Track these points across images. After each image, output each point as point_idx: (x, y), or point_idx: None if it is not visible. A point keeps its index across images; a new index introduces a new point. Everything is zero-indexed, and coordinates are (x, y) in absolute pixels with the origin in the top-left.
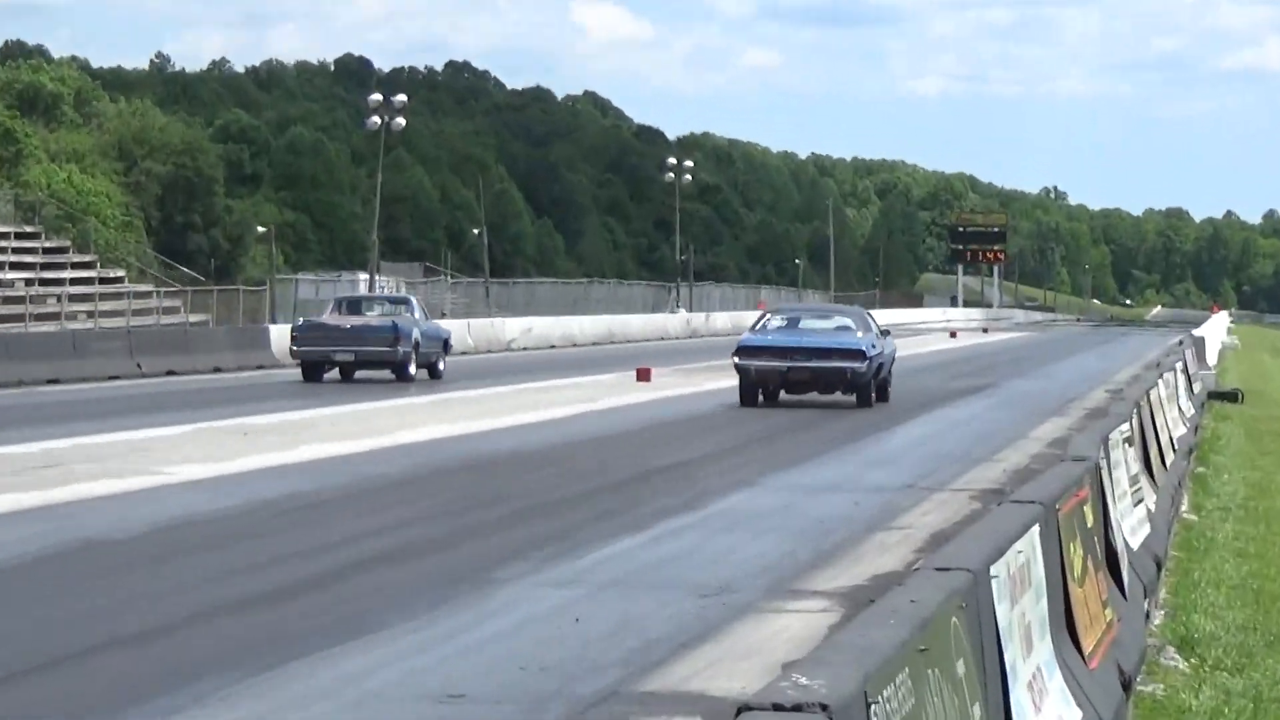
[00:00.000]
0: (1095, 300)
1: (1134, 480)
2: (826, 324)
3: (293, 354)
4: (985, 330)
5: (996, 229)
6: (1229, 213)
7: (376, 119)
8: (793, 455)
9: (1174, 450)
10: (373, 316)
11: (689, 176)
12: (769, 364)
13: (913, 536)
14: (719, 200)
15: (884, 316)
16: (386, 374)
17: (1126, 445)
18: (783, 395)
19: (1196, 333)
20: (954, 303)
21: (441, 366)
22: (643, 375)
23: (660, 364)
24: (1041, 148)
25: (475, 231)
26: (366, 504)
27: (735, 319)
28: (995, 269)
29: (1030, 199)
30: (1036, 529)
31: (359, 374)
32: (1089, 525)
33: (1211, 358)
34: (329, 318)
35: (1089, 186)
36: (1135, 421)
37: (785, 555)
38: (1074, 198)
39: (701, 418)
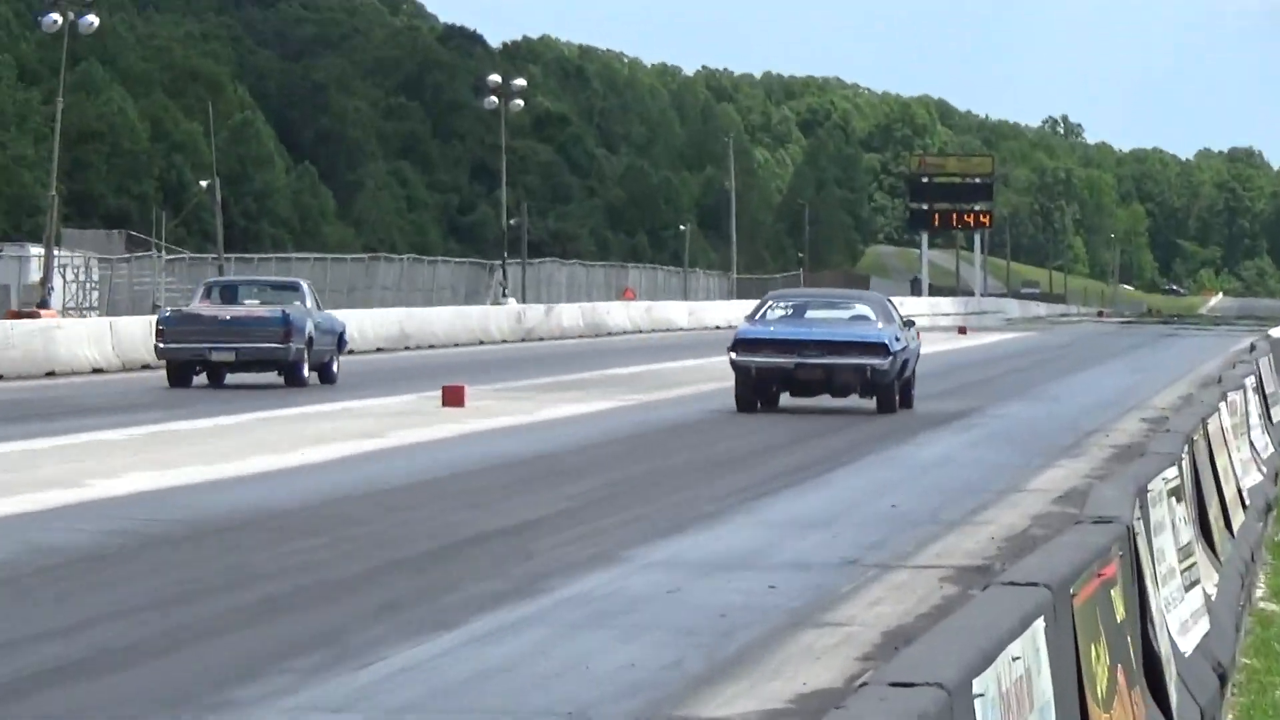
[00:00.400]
0: (1125, 285)
1: (1185, 552)
2: (840, 313)
3: (158, 352)
4: (962, 330)
5: (978, 180)
6: None
7: (56, 17)
8: (677, 514)
9: (1244, 508)
10: (256, 305)
11: (520, 102)
12: (773, 360)
13: (856, 636)
14: (566, 137)
15: None
16: (272, 377)
17: (1174, 500)
18: (785, 399)
19: (1275, 333)
20: (916, 288)
21: (335, 368)
22: (452, 397)
23: (478, 380)
24: (1044, 61)
25: (203, 184)
26: (38, 590)
27: (590, 314)
28: (977, 239)
29: (1028, 135)
30: (1040, 625)
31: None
32: (1119, 619)
33: None
34: (201, 307)
35: (1114, 118)
36: (1187, 465)
37: (666, 665)
38: (1092, 134)
39: (542, 460)
